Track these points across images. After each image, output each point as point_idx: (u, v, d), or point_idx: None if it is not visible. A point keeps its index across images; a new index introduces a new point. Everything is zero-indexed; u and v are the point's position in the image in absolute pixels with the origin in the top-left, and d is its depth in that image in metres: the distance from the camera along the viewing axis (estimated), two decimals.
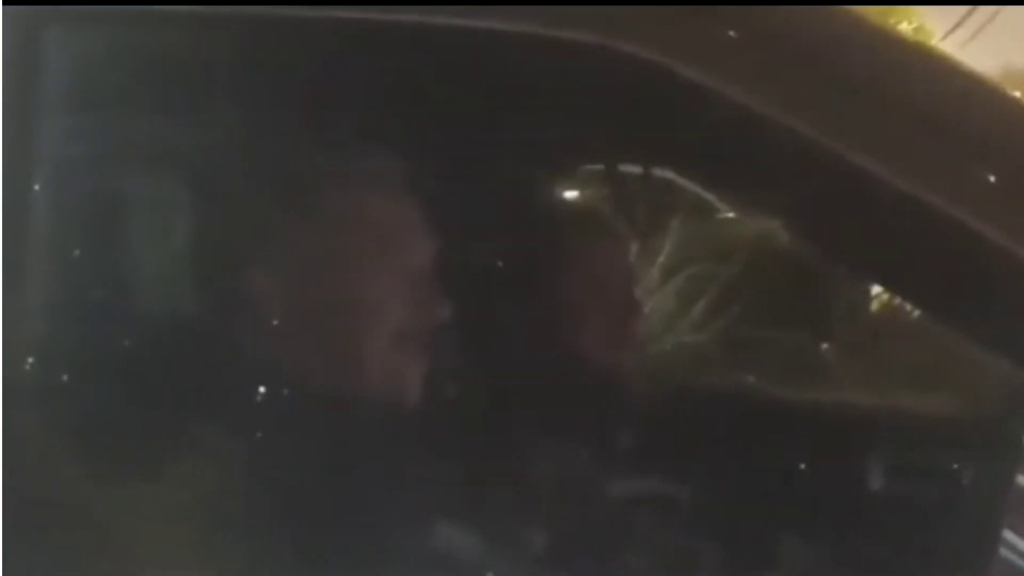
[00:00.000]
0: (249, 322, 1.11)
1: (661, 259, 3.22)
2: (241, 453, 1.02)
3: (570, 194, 2.02)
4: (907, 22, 6.93)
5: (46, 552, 0.95)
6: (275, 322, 1.10)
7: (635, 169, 2.66)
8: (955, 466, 1.67)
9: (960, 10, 7.68)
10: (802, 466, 1.73)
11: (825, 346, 3.08)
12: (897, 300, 3.27)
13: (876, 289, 3.22)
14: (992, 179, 0.86)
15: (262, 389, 1.04)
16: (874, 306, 3.29)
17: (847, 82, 0.90)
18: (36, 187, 0.91)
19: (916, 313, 3.23)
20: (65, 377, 0.97)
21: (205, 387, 1.03)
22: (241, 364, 1.07)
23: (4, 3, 0.88)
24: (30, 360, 0.94)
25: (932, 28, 7.40)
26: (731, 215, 4.12)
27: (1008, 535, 1.38)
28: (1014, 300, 0.93)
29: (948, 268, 1.01)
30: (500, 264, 1.51)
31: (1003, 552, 1.37)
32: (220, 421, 1.01)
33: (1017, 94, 1.01)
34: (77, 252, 0.99)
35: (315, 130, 1.27)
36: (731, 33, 0.95)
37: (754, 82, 0.91)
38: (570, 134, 1.63)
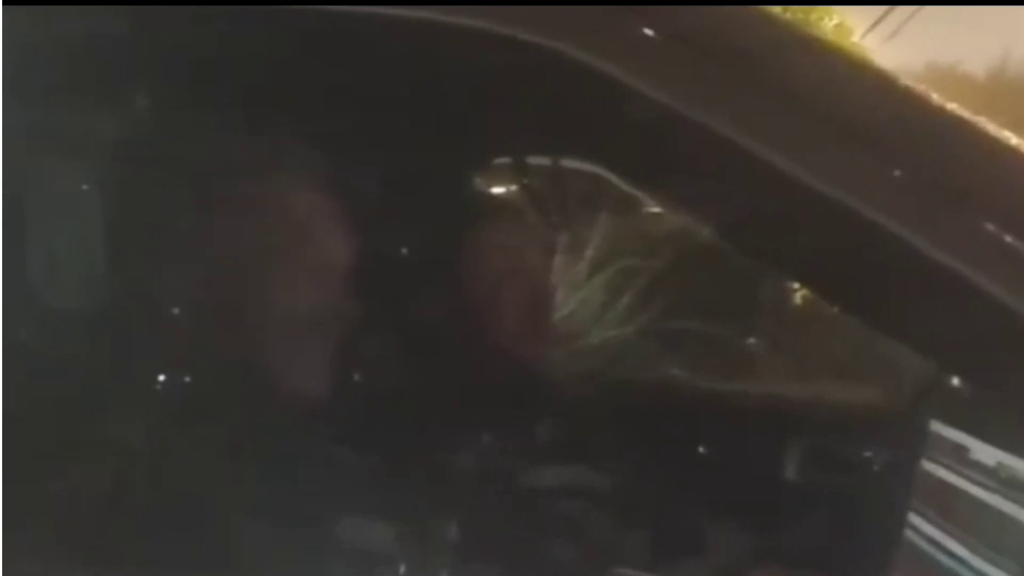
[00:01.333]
0: (151, 312, 1.10)
1: (589, 252, 3.26)
2: (141, 443, 1.01)
3: (487, 186, 2.02)
4: (828, 18, 7.03)
5: None
6: (178, 311, 1.09)
7: (560, 163, 2.68)
8: (867, 454, 1.71)
9: (881, 7, 7.81)
10: (724, 456, 1.76)
11: (750, 339, 3.13)
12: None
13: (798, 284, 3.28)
14: (897, 174, 0.88)
15: (161, 378, 1.03)
16: (797, 300, 3.36)
17: (760, 82, 0.92)
18: None
19: (836, 308, 3.30)
20: None
21: (103, 377, 1.01)
22: (142, 353, 1.06)
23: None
24: None
25: (852, 25, 7.52)
26: (657, 210, 4.17)
27: (914, 518, 1.41)
28: (917, 291, 0.95)
29: (856, 262, 1.03)
30: (411, 255, 1.51)
31: (909, 535, 1.41)
32: (119, 410, 1.00)
33: (937, 91, 1.03)
34: None
35: (226, 122, 1.25)
36: (648, 31, 0.96)
37: (670, 81, 0.92)
38: (489, 127, 1.64)
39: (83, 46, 1.08)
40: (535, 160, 2.16)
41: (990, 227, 0.86)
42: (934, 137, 0.88)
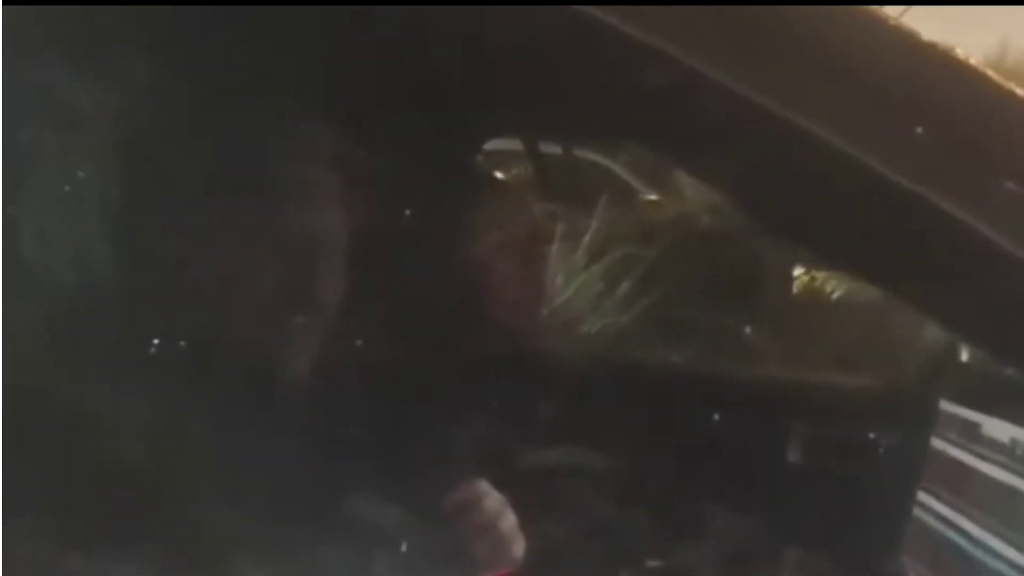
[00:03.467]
0: (153, 279, 1.08)
1: (587, 239, 3.23)
2: (138, 409, 0.98)
3: (492, 169, 2.00)
4: None
5: None
6: (175, 280, 1.07)
7: (557, 149, 2.66)
8: (872, 436, 1.69)
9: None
10: (724, 437, 1.74)
11: (748, 328, 3.12)
12: (818, 283, 3.33)
13: (797, 271, 3.27)
14: (919, 131, 0.85)
15: (156, 341, 1.00)
16: (796, 289, 3.34)
17: (786, 43, 0.89)
18: None
19: (835, 296, 3.28)
20: None
21: (100, 340, 0.99)
22: (138, 317, 1.04)
23: (4, 3, 0.85)
24: None
25: None
26: (654, 197, 4.15)
27: (923, 496, 1.39)
28: (937, 254, 0.93)
29: (876, 226, 1.01)
30: (414, 231, 1.49)
31: (919, 513, 1.39)
32: (115, 374, 0.98)
33: None
34: None
35: (223, 92, 1.23)
36: None
37: (698, 44, 0.89)
38: (503, 102, 1.61)
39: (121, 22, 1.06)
40: (531, 145, 2.15)
41: (1011, 185, 0.83)
42: (954, 92, 0.85)
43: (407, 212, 1.45)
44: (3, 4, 0.85)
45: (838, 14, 0.90)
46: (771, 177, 1.14)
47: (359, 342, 1.29)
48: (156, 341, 1.01)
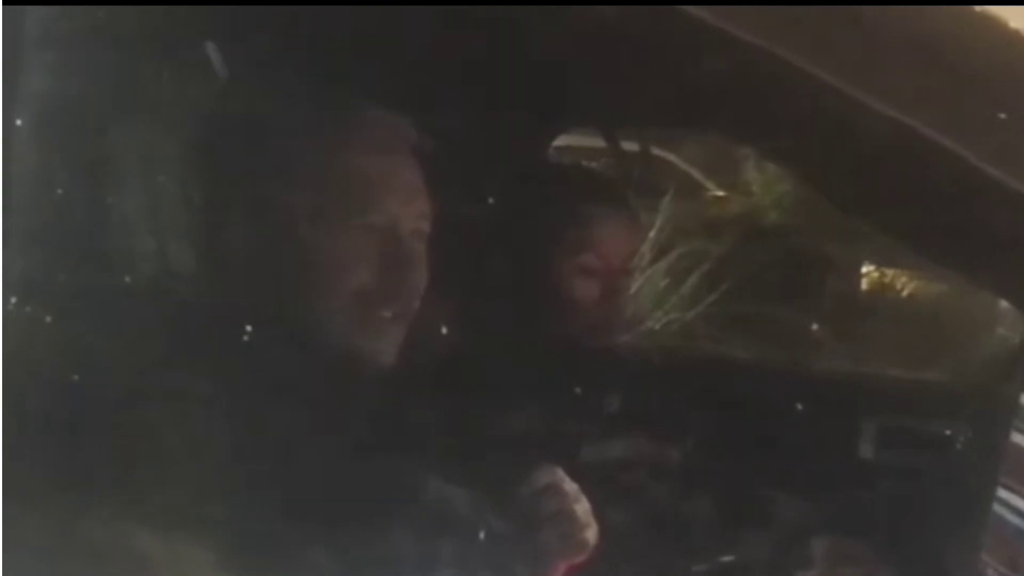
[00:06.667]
0: (233, 268, 1.09)
1: (652, 235, 3.22)
2: (228, 395, 1.00)
3: (575, 160, 1.99)
4: None
5: (33, 517, 0.92)
6: (259, 273, 1.09)
7: (633, 146, 2.64)
8: (947, 432, 1.67)
9: None
10: (793, 430, 1.73)
11: (815, 324, 3.09)
12: (888, 279, 3.29)
13: (867, 267, 3.23)
14: (1002, 116, 0.84)
15: (248, 328, 1.02)
16: (865, 284, 3.30)
17: (876, 35, 0.88)
18: (18, 122, 0.89)
19: (906, 291, 3.24)
20: (48, 318, 0.95)
21: (190, 329, 1.01)
22: (226, 305, 1.05)
23: (4, 3, 0.87)
24: (12, 300, 0.91)
25: None
26: (720, 193, 4.13)
27: (1003, 493, 1.37)
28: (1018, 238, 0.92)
29: (962, 213, 1.00)
30: (492, 221, 1.49)
31: (998, 510, 1.36)
32: (206, 362, 0.99)
33: None
34: (60, 191, 0.96)
35: (306, 85, 1.24)
36: None
37: (776, 28, 0.88)
38: (586, 93, 1.61)
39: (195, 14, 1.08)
40: (611, 138, 2.13)
41: None
42: None
43: (487, 204, 1.46)
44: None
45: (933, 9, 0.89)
46: (855, 164, 1.13)
47: (438, 333, 1.30)
48: (248, 328, 1.02)
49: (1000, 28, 0.89)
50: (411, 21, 1.31)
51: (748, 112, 1.23)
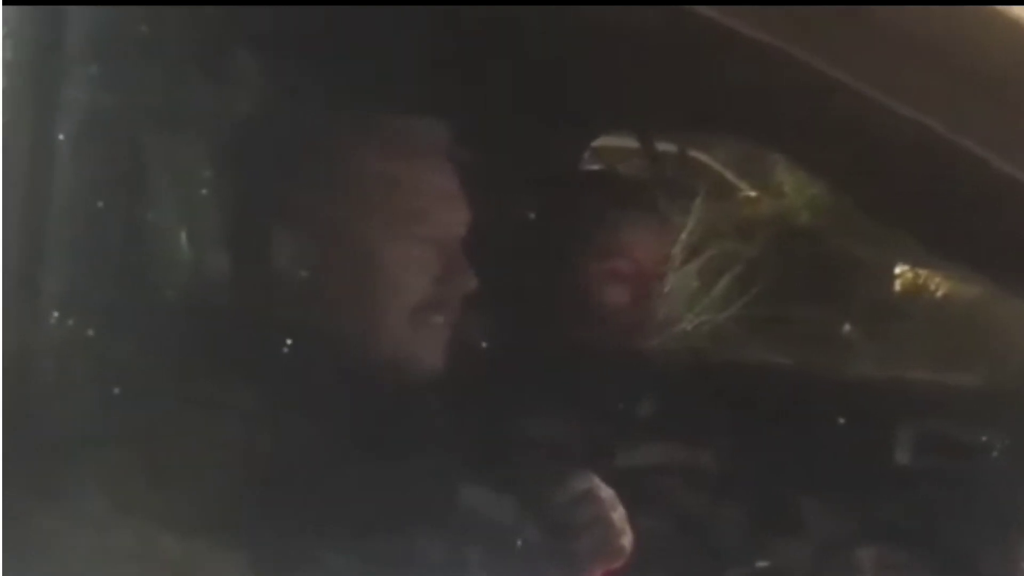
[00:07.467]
0: (276, 280, 1.10)
1: (683, 236, 3.21)
2: (268, 406, 1.00)
3: (607, 163, 2.00)
4: None
5: (62, 512, 0.93)
6: (302, 283, 1.09)
7: (671, 148, 2.64)
8: (984, 439, 1.65)
9: None
10: (826, 435, 1.72)
11: (848, 326, 3.07)
12: (921, 280, 3.26)
13: (900, 268, 3.21)
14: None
15: (289, 341, 1.03)
16: (899, 286, 3.28)
17: (901, 41, 0.87)
18: (60, 136, 0.90)
19: (940, 293, 3.22)
20: (91, 332, 0.96)
21: (231, 341, 1.01)
22: (267, 318, 1.06)
23: (4, 3, 0.87)
24: (55, 314, 0.92)
25: None
26: (752, 194, 4.11)
27: None
28: None
29: (992, 219, 0.99)
30: (524, 227, 1.49)
31: None
32: (246, 374, 1.00)
33: None
34: (100, 204, 0.97)
35: (347, 94, 1.25)
36: None
37: (820, 44, 0.88)
38: (623, 99, 1.60)
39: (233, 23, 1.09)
40: (646, 140, 2.13)
41: None
42: None
43: (520, 210, 1.46)
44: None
45: (955, 11, 0.89)
46: (878, 168, 1.13)
47: (477, 340, 1.30)
48: (289, 341, 1.03)
49: (1021, 30, 0.88)
50: (447, 27, 1.31)
51: (774, 117, 1.22)
